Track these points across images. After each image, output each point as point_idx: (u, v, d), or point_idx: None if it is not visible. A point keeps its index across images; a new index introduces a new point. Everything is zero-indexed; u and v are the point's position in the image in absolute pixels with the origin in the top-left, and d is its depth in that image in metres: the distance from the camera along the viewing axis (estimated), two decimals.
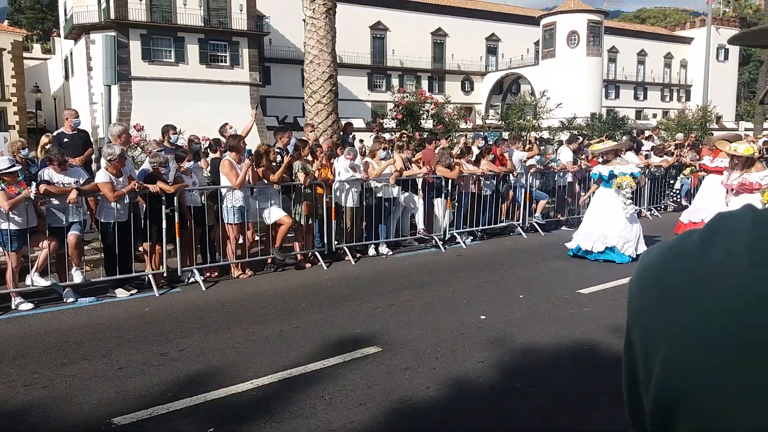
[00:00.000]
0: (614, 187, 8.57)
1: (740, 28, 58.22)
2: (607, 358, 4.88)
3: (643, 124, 46.18)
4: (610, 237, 8.52)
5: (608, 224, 8.51)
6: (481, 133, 13.64)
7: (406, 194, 9.85)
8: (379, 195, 9.42)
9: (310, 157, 8.90)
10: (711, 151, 11.14)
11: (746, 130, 38.32)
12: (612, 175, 8.56)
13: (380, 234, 9.48)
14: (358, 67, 49.71)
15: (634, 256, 8.41)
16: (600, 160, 8.97)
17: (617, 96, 59.01)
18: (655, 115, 54.77)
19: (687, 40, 60.60)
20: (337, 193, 8.99)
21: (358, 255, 9.19)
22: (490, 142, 17.90)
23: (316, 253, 8.72)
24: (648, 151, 14.54)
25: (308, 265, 8.59)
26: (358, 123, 35.06)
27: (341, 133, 12.75)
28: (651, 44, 61.18)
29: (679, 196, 14.84)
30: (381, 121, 14.83)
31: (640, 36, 61.33)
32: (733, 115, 57.03)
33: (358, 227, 9.32)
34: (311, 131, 11.22)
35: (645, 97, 61.07)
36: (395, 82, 51.91)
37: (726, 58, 58.08)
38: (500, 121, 20.63)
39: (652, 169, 13.75)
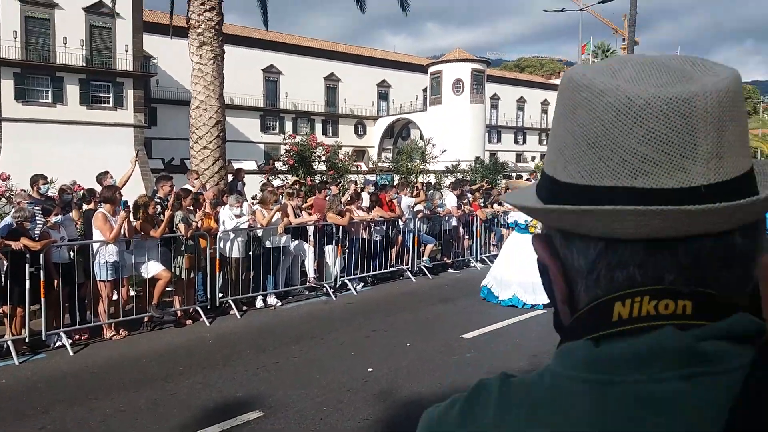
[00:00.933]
0: (531, 231, 8.87)
1: None
2: None
3: (523, 166, 49.13)
4: (519, 282, 8.73)
5: (520, 269, 8.73)
6: (372, 179, 13.85)
7: (296, 242, 9.73)
8: (267, 244, 9.23)
9: (192, 207, 8.58)
10: None
11: None
12: (527, 224, 8.93)
13: (268, 284, 9.25)
14: (250, 109, 49.36)
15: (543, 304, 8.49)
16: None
17: (499, 140, 62.56)
18: (533, 158, 58.54)
19: None
20: (222, 244, 8.70)
21: (244, 308, 8.89)
22: (385, 183, 18.19)
23: (198, 309, 8.32)
24: None
25: (189, 321, 8.16)
26: (250, 165, 34.59)
27: (232, 178, 12.49)
28: (529, 92, 65.80)
29: None
30: (273, 162, 14.65)
31: (520, 84, 65.81)
32: None
33: (245, 278, 9.04)
34: (196, 178, 10.87)
35: (524, 141, 65.19)
36: (289, 124, 51.99)
37: None
38: (392, 165, 21.14)
39: None
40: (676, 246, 0.53)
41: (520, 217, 9.04)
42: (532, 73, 72.97)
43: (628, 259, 0.54)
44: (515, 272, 8.73)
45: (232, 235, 8.74)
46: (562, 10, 26.65)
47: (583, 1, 52.15)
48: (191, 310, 8.34)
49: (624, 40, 42.63)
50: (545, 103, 66.69)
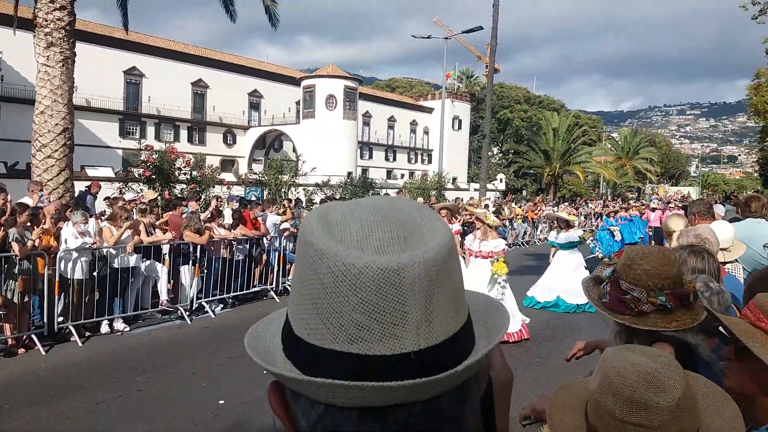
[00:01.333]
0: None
1: (470, 102, 67.89)
2: None
3: (393, 183, 50.41)
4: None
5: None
6: (236, 195, 13.43)
7: (148, 262, 9.14)
8: (115, 264, 8.58)
9: (30, 223, 7.77)
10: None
11: (475, 190, 44.21)
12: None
13: (115, 308, 8.59)
14: (108, 112, 46.11)
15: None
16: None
17: (371, 157, 63.78)
18: (402, 176, 60.27)
19: (429, 110, 68.42)
20: (63, 264, 7.95)
21: (87, 334, 8.18)
22: (252, 198, 17.77)
23: (33, 336, 7.53)
24: None
25: (22, 350, 7.35)
26: (106, 171, 32.22)
27: (84, 190, 11.53)
28: (399, 111, 67.79)
29: None
30: (128, 173, 13.68)
31: (391, 103, 67.60)
32: (466, 177, 65.42)
33: (89, 301, 8.32)
34: (40, 190, 9.90)
35: (395, 159, 67.01)
36: (151, 129, 49.30)
37: (460, 127, 66.84)
38: (260, 177, 20.70)
39: None
40: (385, 414, 0.55)
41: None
42: (402, 94, 75.26)
43: (344, 425, 0.56)
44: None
45: (75, 255, 8.02)
46: (428, 37, 27.82)
47: (449, 28, 54.99)
48: (24, 337, 7.52)
49: (486, 67, 45.43)
50: (414, 123, 69.04)
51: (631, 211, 25.19)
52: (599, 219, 27.31)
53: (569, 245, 10.51)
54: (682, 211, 21.72)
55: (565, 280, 10.20)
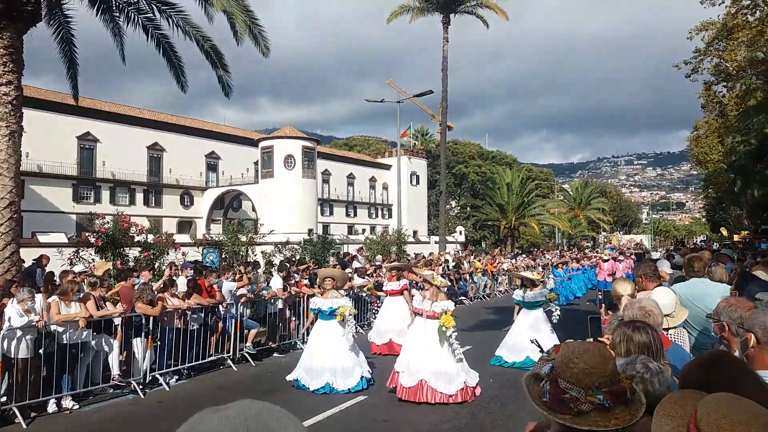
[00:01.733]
0: (338, 319, 8.98)
1: (426, 159, 69.27)
2: None
3: (354, 238, 50.48)
4: (331, 369, 8.75)
5: (331, 356, 8.77)
6: (190, 262, 13.22)
7: (98, 336, 8.85)
8: (63, 340, 8.27)
9: None
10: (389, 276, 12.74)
11: (435, 242, 44.62)
12: (332, 311, 8.98)
13: (63, 385, 8.23)
14: (61, 177, 45.30)
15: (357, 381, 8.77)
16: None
17: (331, 213, 64.03)
18: (364, 230, 60.53)
19: (387, 167, 69.51)
20: (6, 343, 7.63)
21: (33, 414, 7.79)
22: (208, 264, 17.48)
23: None
24: (352, 273, 15.76)
25: None
26: (59, 237, 31.34)
27: (32, 263, 11.19)
28: (358, 169, 68.69)
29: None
30: (87, 236, 13.27)
31: (349, 161, 68.54)
32: (426, 230, 66.09)
33: (34, 380, 7.96)
34: None
35: (355, 215, 67.43)
36: (106, 194, 48.58)
37: (418, 182, 68.03)
38: (218, 238, 20.48)
39: (355, 290, 14.85)
40: None
41: (324, 305, 9.12)
42: (360, 152, 76.48)
43: None
44: (327, 359, 8.80)
45: (19, 333, 7.72)
46: (382, 101, 28.63)
47: (403, 89, 56.62)
48: None
49: (440, 125, 46.69)
50: (372, 179, 69.96)
51: (583, 262, 25.81)
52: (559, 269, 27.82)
53: (534, 304, 10.63)
54: (632, 259, 22.28)
55: (533, 335, 10.24)
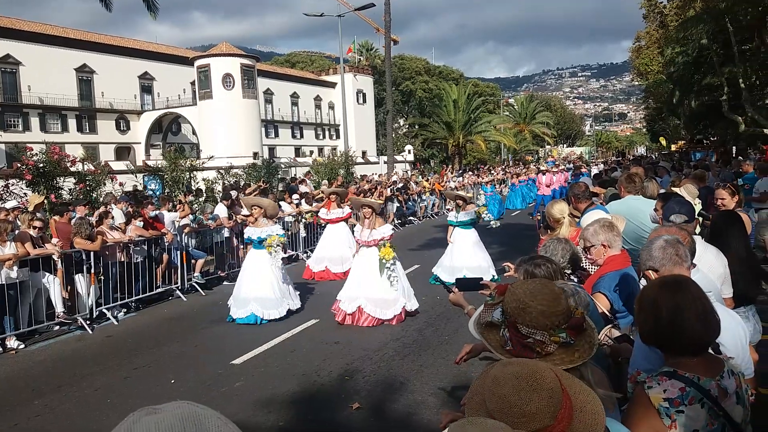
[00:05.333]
0: (267, 250, 8.90)
1: (372, 75, 67.76)
2: None
3: (302, 161, 49.84)
4: (257, 299, 8.70)
5: (259, 286, 8.75)
6: (126, 196, 12.77)
7: (37, 274, 8.59)
8: None
9: None
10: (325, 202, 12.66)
11: (384, 162, 44.58)
12: (261, 239, 8.89)
13: (6, 326, 8.05)
14: None
15: (284, 314, 8.79)
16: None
17: (276, 135, 62.55)
18: (312, 152, 59.70)
19: (332, 84, 67.57)
20: None
21: None
22: (152, 187, 17.04)
23: None
24: (299, 199, 15.64)
25: None
26: None
27: None
28: (302, 87, 66.60)
29: None
30: (18, 166, 12.58)
31: (292, 80, 66.25)
32: (375, 150, 65.67)
33: None
34: None
35: (302, 136, 66.09)
36: (35, 120, 45.98)
37: (364, 101, 66.63)
38: (159, 164, 19.79)
39: (305, 217, 14.77)
40: None
41: (254, 234, 9.02)
42: (304, 69, 73.99)
43: None
44: (252, 288, 8.75)
45: None
46: (321, 15, 27.48)
47: (344, 0, 54.31)
48: None
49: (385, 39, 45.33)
50: (318, 98, 68.17)
51: (522, 177, 26.91)
52: (503, 185, 28.42)
53: (468, 223, 10.81)
54: (566, 174, 22.92)
55: (466, 258, 10.51)
